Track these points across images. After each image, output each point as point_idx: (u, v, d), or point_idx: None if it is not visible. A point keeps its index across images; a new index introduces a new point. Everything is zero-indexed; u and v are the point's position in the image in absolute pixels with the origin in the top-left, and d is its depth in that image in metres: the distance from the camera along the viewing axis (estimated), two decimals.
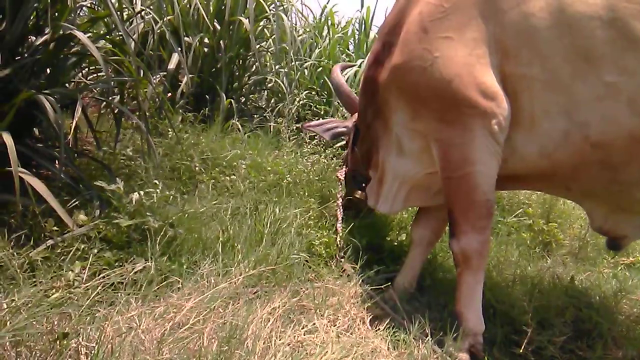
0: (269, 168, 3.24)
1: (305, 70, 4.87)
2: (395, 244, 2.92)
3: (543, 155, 1.92)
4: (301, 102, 4.44)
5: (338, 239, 2.69)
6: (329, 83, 4.59)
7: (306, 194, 3.08)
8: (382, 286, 2.30)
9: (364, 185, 2.66)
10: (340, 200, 2.86)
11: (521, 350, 1.97)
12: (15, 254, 1.85)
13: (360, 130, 2.53)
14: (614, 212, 2.05)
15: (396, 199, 2.31)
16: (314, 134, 3.43)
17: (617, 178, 1.88)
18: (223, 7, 4.06)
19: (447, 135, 1.95)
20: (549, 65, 1.82)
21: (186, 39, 3.87)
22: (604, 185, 1.94)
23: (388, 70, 2.14)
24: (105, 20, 3.06)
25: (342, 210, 2.82)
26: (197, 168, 3.05)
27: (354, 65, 4.51)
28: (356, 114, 2.71)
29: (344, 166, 3.06)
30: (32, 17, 2.45)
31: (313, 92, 4.66)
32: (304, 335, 1.84)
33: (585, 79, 1.77)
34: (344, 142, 3.87)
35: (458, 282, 2.01)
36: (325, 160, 3.46)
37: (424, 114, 2.02)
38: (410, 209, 3.14)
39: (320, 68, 4.86)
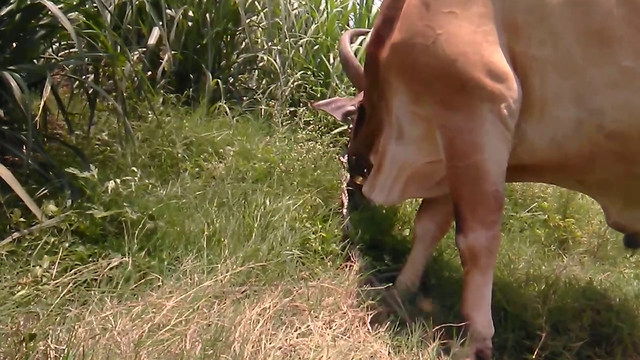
0: (260, 155, 3.22)
1: (301, 48, 4.84)
2: (398, 239, 2.92)
3: (553, 145, 1.92)
4: (295, 84, 4.42)
5: (344, 225, 2.68)
6: (328, 63, 4.57)
7: (300, 184, 3.08)
8: (384, 286, 2.30)
9: (366, 171, 2.66)
10: (345, 185, 2.85)
11: (534, 357, 1.97)
12: None
13: (365, 110, 2.52)
14: (630, 206, 2.06)
15: (393, 189, 2.31)
16: (320, 114, 3.40)
17: (633, 171, 1.88)
18: None
19: (452, 120, 1.94)
20: (561, 45, 1.80)
21: (168, 11, 3.83)
22: (619, 179, 1.94)
23: (389, 48, 2.13)
24: None
25: (347, 196, 2.82)
26: (179, 155, 3.03)
27: (367, 32, 4.45)
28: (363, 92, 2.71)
29: (346, 151, 3.06)
30: None
31: (309, 72, 4.63)
32: (297, 338, 1.84)
33: (601, 63, 1.76)
34: (343, 128, 3.85)
35: (465, 282, 2.01)
36: (322, 148, 3.45)
37: (427, 97, 2.02)
38: (415, 201, 3.14)
39: (317, 46, 4.82)
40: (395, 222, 3.07)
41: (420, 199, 2.84)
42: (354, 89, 4.10)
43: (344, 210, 2.74)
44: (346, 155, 2.99)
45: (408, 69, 2.03)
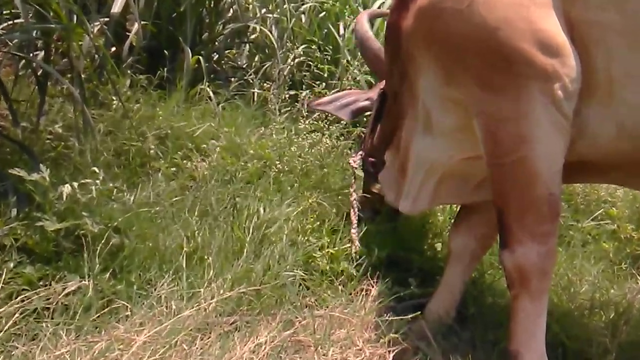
0: (252, 151, 3.22)
1: (303, 15, 4.85)
2: (427, 256, 2.91)
3: (623, 136, 1.90)
4: (296, 61, 4.42)
5: (353, 249, 2.70)
6: (337, 35, 4.57)
7: (303, 187, 3.08)
8: (409, 316, 2.30)
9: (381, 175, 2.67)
10: (355, 196, 2.85)
11: None
12: None
13: (386, 99, 2.52)
14: None
15: (421, 194, 2.31)
16: (324, 112, 3.42)
17: None
18: None
19: (492, 105, 1.94)
20: (630, 8, 1.80)
21: None
22: None
23: (413, 14, 2.13)
24: None
25: (357, 210, 2.82)
26: (152, 151, 3.05)
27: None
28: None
29: (360, 150, 3.06)
30: None
31: (313, 47, 4.63)
32: None
33: None
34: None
35: (513, 311, 2.01)
36: (329, 141, 3.46)
37: (461, 76, 2.01)
38: (448, 208, 3.14)
39: (324, 13, 4.83)
40: (424, 235, 3.07)
41: (456, 206, 2.83)
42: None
43: (352, 229, 2.74)
44: (359, 156, 2.98)
45: (437, 41, 2.03)
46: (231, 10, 4.59)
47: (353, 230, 2.78)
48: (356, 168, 3.00)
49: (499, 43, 1.88)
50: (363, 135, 3.11)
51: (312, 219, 2.85)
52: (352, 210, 2.84)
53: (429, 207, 2.43)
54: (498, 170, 1.97)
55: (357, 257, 2.69)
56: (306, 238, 2.71)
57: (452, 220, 2.66)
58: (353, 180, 2.96)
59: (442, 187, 2.31)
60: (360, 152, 3.01)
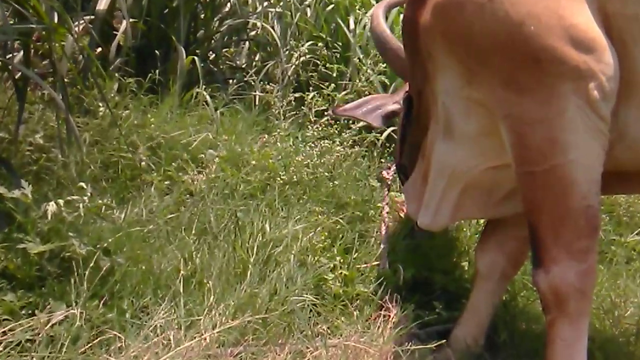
0: (254, 162, 3.23)
1: (308, 9, 4.87)
2: (453, 277, 2.92)
3: None
4: (302, 60, 4.44)
5: (381, 266, 2.73)
6: (347, 30, 4.58)
7: (312, 201, 3.10)
8: (433, 344, 2.30)
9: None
10: (387, 209, 2.84)
11: None
12: None
13: (413, 101, 2.54)
14: None
15: (442, 206, 2.32)
16: (350, 119, 3.44)
17: None
18: None
19: (521, 107, 1.95)
20: None
21: None
22: None
23: (430, 9, 2.15)
24: None
25: (386, 226, 2.83)
26: (143, 163, 3.07)
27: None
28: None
29: (394, 161, 3.08)
30: None
31: (320, 44, 4.65)
32: None
33: None
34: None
35: (549, 337, 2.01)
36: (340, 149, 3.47)
37: (484, 76, 2.02)
38: (474, 222, 3.15)
39: (332, 6, 4.85)
40: (448, 253, 3.07)
41: (483, 220, 2.83)
42: (384, 65, 4.11)
43: (382, 244, 2.75)
44: (390, 170, 2.99)
45: (456, 38, 2.05)
46: (229, 5, 4.61)
47: (382, 246, 2.77)
48: (389, 179, 3.02)
49: (525, 39, 1.89)
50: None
51: (322, 237, 2.86)
52: (382, 224, 2.84)
53: (451, 221, 2.44)
54: (529, 180, 1.98)
55: (374, 279, 2.69)
56: (316, 258, 2.71)
57: (479, 237, 2.66)
58: (386, 193, 2.97)
59: (465, 199, 2.32)
60: (395, 163, 3.03)
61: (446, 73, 2.16)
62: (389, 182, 3.02)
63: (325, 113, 3.88)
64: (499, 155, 2.11)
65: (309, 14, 4.88)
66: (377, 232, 3.02)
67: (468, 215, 2.43)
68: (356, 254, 2.83)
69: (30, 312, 2.02)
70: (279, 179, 3.16)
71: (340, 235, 2.94)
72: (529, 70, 1.91)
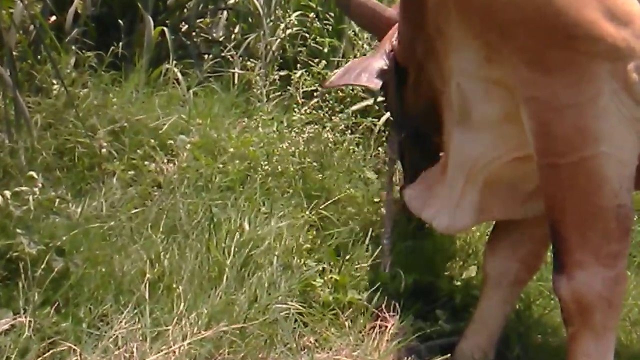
0: (232, 149, 3.22)
1: None
2: (458, 283, 2.92)
3: None
4: (289, 32, 4.43)
5: (384, 268, 2.71)
6: None
7: (298, 194, 3.09)
8: (437, 358, 2.29)
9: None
10: (390, 199, 2.84)
11: None
12: None
13: (407, 73, 2.55)
14: None
15: (462, 205, 2.32)
16: (344, 86, 3.50)
17: None
18: None
19: (547, 90, 1.94)
20: None
21: None
22: None
23: None
24: None
25: (391, 221, 2.81)
26: (104, 150, 3.03)
27: None
28: (390, 39, 2.75)
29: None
30: None
31: (310, 14, 4.63)
32: None
33: None
34: (367, 103, 3.87)
35: (571, 353, 2.01)
36: (331, 136, 3.46)
37: (506, 53, 2.02)
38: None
39: None
40: (454, 255, 3.08)
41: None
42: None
43: (384, 239, 2.74)
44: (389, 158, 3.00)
45: (476, 9, 2.04)
46: None
47: (385, 242, 2.78)
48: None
49: (555, 11, 1.88)
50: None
51: (310, 236, 2.85)
52: (386, 218, 2.82)
53: (472, 224, 2.44)
54: (552, 174, 1.98)
55: (369, 284, 2.68)
56: (303, 260, 2.70)
57: (488, 238, 2.66)
58: (387, 181, 2.95)
59: (488, 198, 2.32)
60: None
61: (462, 51, 2.15)
62: (388, 175, 2.98)
63: (315, 94, 3.86)
64: (523, 144, 2.10)
65: None
66: (372, 231, 2.99)
67: (491, 215, 2.42)
68: (348, 255, 2.81)
69: None
70: (260, 169, 3.14)
71: (331, 235, 2.93)
72: (559, 48, 1.91)
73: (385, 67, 2.82)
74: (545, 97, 1.96)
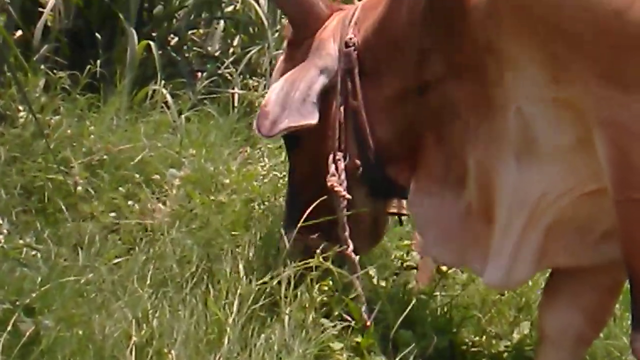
0: (227, 181, 3.24)
1: None
2: (507, 343, 2.87)
3: None
4: None
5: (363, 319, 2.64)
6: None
7: None
8: None
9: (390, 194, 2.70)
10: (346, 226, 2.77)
11: None
12: None
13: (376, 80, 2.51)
14: None
15: (520, 254, 2.29)
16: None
17: None
18: None
19: (627, 112, 1.95)
20: None
21: None
22: None
23: None
24: None
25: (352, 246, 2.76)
26: (79, 187, 3.05)
27: None
28: (338, 33, 2.66)
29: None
30: None
31: None
32: None
33: None
34: None
35: None
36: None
37: (576, 68, 2.02)
38: None
39: None
40: (501, 310, 3.05)
41: None
42: None
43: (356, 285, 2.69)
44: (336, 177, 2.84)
45: (538, 17, 2.05)
46: None
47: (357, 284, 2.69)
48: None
49: (637, 17, 1.89)
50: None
51: (325, 287, 2.81)
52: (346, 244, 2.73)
53: (533, 273, 2.43)
54: (631, 211, 1.99)
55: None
56: (317, 316, 2.66)
57: (544, 286, 2.63)
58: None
59: (552, 242, 2.30)
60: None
61: (522, 69, 2.15)
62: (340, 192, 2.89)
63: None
64: (600, 176, 2.10)
65: None
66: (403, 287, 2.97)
67: (555, 262, 2.39)
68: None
69: None
70: (262, 203, 3.16)
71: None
72: None
73: (325, 84, 2.66)
74: (623, 120, 1.96)
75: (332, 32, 2.70)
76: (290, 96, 2.61)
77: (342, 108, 2.60)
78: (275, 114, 2.58)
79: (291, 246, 2.72)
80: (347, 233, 2.64)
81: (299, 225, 2.65)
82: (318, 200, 2.58)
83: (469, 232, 2.44)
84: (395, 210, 2.87)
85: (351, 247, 2.64)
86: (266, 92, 3.98)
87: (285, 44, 3.01)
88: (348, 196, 2.60)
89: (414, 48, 2.42)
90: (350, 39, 2.60)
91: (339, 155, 2.61)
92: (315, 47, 2.74)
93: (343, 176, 2.59)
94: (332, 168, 2.61)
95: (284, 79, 2.66)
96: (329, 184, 2.58)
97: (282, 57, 2.91)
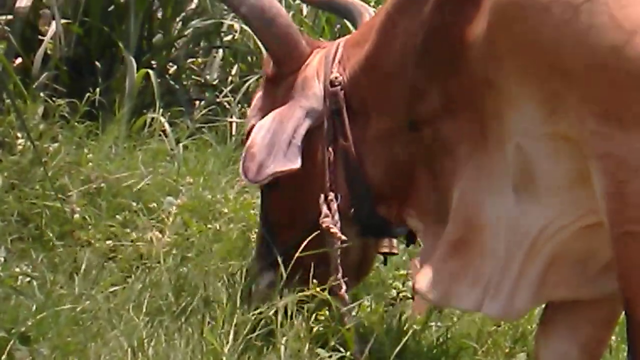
0: (224, 210, 3.24)
1: (304, 6, 4.91)
2: None
3: None
4: None
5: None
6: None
7: None
8: None
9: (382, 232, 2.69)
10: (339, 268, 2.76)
11: None
12: None
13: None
14: None
15: (520, 288, 2.28)
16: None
17: None
18: None
19: (624, 147, 1.94)
20: None
21: None
22: None
23: (487, 15, 2.15)
24: None
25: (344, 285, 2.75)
26: (77, 215, 3.05)
27: None
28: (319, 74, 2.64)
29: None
30: None
31: None
32: None
33: None
34: None
35: None
36: None
37: (572, 102, 2.02)
38: None
39: None
40: (497, 342, 3.04)
41: None
42: None
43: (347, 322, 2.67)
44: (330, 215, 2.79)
45: (536, 54, 2.05)
46: (194, 1, 4.66)
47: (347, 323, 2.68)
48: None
49: (636, 54, 1.90)
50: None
51: (322, 317, 2.80)
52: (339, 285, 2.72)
53: (531, 307, 2.43)
54: (628, 244, 1.98)
55: None
56: (315, 348, 2.67)
57: (540, 318, 2.62)
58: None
59: (551, 275, 2.29)
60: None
61: (522, 106, 2.15)
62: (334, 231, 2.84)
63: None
64: (594, 209, 2.09)
65: (304, 13, 4.92)
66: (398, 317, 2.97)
67: (555, 295, 2.37)
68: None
69: None
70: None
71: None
72: (638, 98, 1.92)
73: (309, 124, 2.62)
74: (620, 155, 1.96)
75: (316, 70, 2.69)
76: (276, 138, 2.58)
77: (331, 148, 2.60)
78: (261, 157, 2.55)
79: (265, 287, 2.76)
80: (340, 274, 2.62)
81: (283, 266, 2.63)
82: (306, 241, 2.56)
83: (453, 268, 2.43)
84: (387, 250, 2.87)
85: (344, 287, 2.62)
86: None
87: (263, 79, 2.95)
88: (344, 237, 2.58)
89: (406, 84, 2.42)
90: (336, 77, 2.59)
91: (331, 195, 2.59)
92: (299, 85, 2.71)
93: (337, 217, 2.57)
94: (325, 209, 2.58)
95: (270, 119, 2.61)
96: (323, 225, 2.55)
97: (259, 93, 2.87)
